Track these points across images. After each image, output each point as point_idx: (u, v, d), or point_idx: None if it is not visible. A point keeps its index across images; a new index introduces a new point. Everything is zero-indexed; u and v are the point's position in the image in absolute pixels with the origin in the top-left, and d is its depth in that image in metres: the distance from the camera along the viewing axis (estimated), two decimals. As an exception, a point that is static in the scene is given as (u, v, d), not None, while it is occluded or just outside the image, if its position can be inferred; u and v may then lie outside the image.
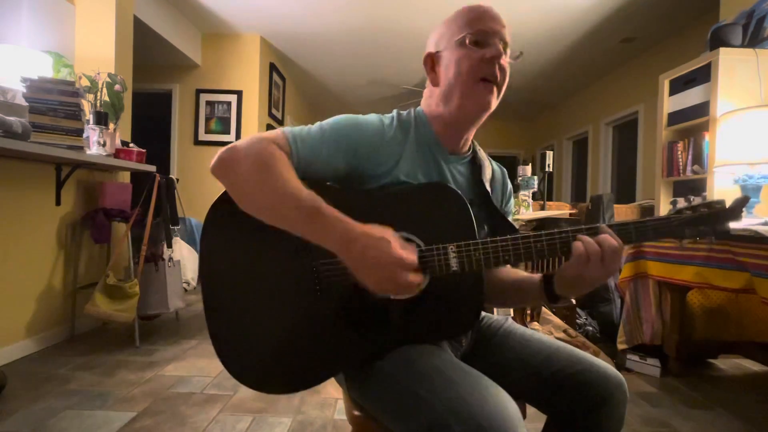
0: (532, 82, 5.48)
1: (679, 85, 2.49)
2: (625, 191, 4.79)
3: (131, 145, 2.47)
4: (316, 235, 0.60)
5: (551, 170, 3.07)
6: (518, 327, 0.85)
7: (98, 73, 2.32)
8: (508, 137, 7.76)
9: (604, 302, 2.49)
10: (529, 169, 2.88)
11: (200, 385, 1.79)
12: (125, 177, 2.79)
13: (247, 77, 4.28)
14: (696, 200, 0.64)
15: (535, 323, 2.07)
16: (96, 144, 2.21)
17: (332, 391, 1.75)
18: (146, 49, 3.70)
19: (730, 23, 2.35)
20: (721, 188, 2.19)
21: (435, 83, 0.77)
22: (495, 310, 1.35)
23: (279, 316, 0.69)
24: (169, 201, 2.54)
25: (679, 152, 2.49)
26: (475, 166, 0.82)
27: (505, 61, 0.73)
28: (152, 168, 2.53)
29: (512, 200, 0.94)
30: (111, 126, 2.31)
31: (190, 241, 3.14)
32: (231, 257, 0.71)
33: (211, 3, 3.65)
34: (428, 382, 0.60)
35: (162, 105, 4.34)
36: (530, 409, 0.77)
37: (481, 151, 0.86)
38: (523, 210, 2.72)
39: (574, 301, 2.19)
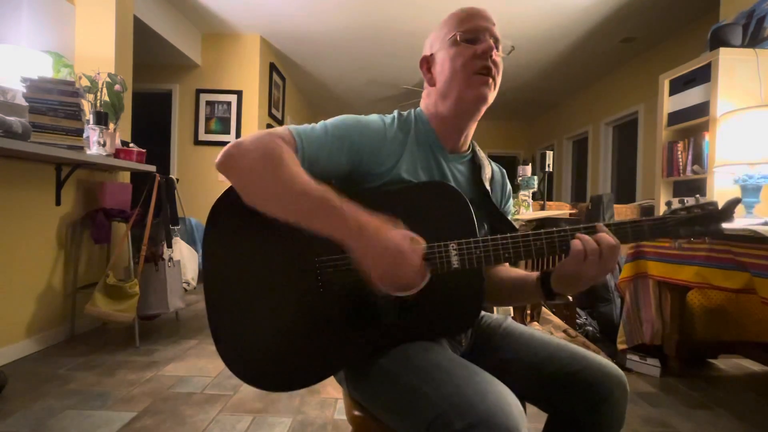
0: (532, 82, 5.48)
1: (679, 85, 2.49)
2: (625, 191, 4.79)
3: (131, 145, 2.47)
4: (326, 223, 0.60)
5: (551, 170, 3.07)
6: (518, 326, 0.85)
7: (98, 73, 2.32)
8: (508, 137, 7.76)
9: (604, 302, 2.49)
10: (529, 169, 2.88)
11: (200, 385, 1.79)
12: (125, 177, 2.79)
13: (247, 77, 4.28)
14: (690, 201, 0.66)
15: (535, 323, 2.07)
16: (96, 144, 2.21)
17: (332, 391, 1.75)
18: (146, 49, 3.70)
19: (730, 23, 2.35)
20: (721, 188, 2.19)
21: (432, 83, 0.80)
22: (495, 309, 1.35)
23: (281, 313, 0.70)
24: (169, 201, 2.54)
25: (679, 152, 2.49)
26: (475, 165, 0.84)
27: (497, 55, 0.75)
28: (152, 168, 2.53)
29: (511, 201, 0.95)
30: (111, 126, 2.31)
31: (190, 241, 3.14)
32: (233, 254, 0.71)
33: (211, 3, 3.65)
34: (429, 378, 0.61)
35: (162, 105, 4.35)
36: (530, 409, 0.77)
37: (481, 151, 0.87)
38: (523, 210, 2.72)
39: (570, 299, 2.19)
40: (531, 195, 2.83)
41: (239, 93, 4.26)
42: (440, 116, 0.79)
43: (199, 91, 4.29)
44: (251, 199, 0.64)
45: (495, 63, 0.74)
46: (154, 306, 2.32)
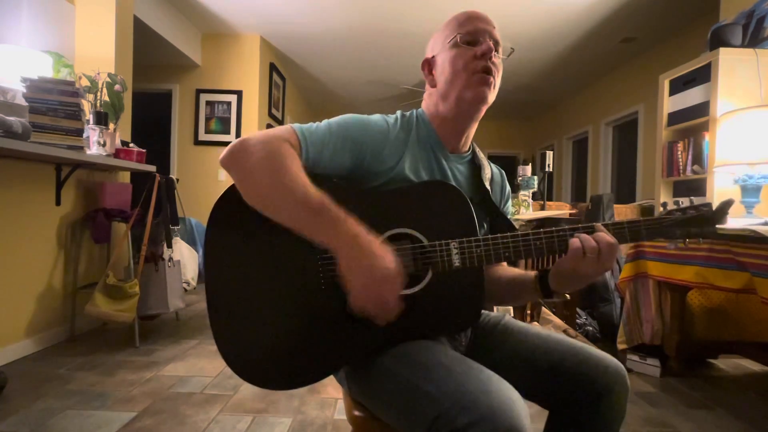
0: (532, 82, 5.48)
1: (679, 85, 2.49)
2: (625, 191, 4.79)
3: (131, 145, 2.47)
4: (321, 230, 0.61)
5: (551, 170, 3.07)
6: (516, 322, 0.86)
7: (98, 73, 2.32)
8: (508, 137, 7.76)
9: (604, 302, 2.49)
10: (529, 169, 2.87)
11: (200, 385, 1.79)
12: (125, 177, 2.79)
13: (247, 77, 4.28)
14: (684, 202, 0.70)
15: (535, 323, 2.07)
16: (96, 144, 2.21)
17: (332, 391, 1.75)
18: (146, 49, 3.70)
19: (730, 23, 2.35)
20: (721, 188, 2.19)
21: (433, 85, 0.81)
22: (495, 308, 1.35)
23: (283, 311, 0.70)
24: (169, 201, 2.54)
25: (679, 152, 2.49)
26: (475, 166, 0.85)
27: (497, 57, 0.76)
28: (152, 168, 2.53)
29: (510, 202, 0.97)
30: (111, 126, 2.31)
31: (190, 241, 3.14)
32: (235, 253, 0.72)
33: (211, 3, 3.65)
34: (431, 375, 0.61)
35: (162, 105, 4.35)
36: (530, 409, 0.77)
37: (481, 152, 0.89)
38: (523, 210, 2.72)
39: (568, 297, 2.19)
40: (531, 195, 2.82)
41: (239, 93, 4.26)
42: (441, 117, 0.80)
43: (199, 91, 4.29)
44: (250, 199, 0.66)
45: (495, 64, 0.75)
46: (154, 306, 2.32)
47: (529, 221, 2.58)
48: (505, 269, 0.87)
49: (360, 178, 0.75)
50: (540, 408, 0.76)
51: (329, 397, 1.71)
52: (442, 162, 0.80)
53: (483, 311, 0.91)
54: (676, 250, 1.81)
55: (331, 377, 0.75)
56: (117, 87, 2.36)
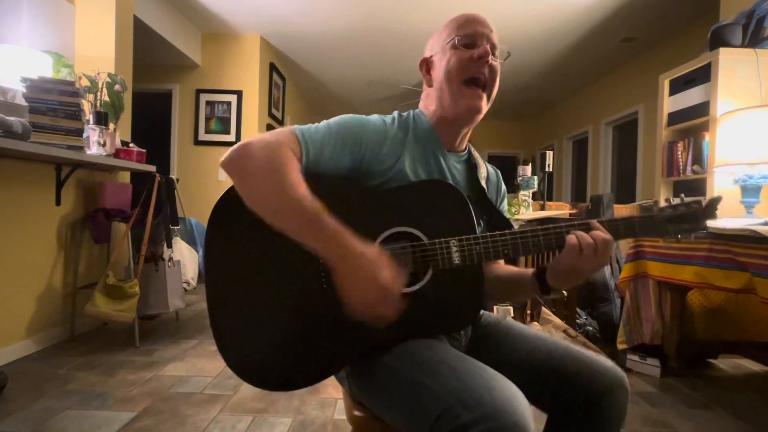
0: (532, 82, 5.48)
1: (679, 85, 2.49)
2: (625, 191, 4.79)
3: (131, 145, 2.47)
4: (314, 241, 0.62)
5: (551, 170, 3.07)
6: (516, 324, 0.86)
7: (98, 73, 2.32)
8: (508, 137, 7.76)
9: (604, 302, 2.49)
10: (529, 169, 2.87)
11: (200, 385, 1.79)
12: (125, 177, 2.79)
13: (247, 77, 4.28)
14: (675, 200, 0.73)
15: (535, 323, 2.07)
16: (96, 144, 2.21)
17: (332, 391, 1.75)
18: (146, 49, 3.70)
19: (730, 23, 2.35)
20: (721, 188, 2.19)
21: (430, 84, 0.83)
22: (495, 309, 1.35)
23: (283, 312, 0.70)
24: (169, 201, 2.54)
25: (679, 152, 2.49)
26: (471, 164, 0.86)
27: (494, 60, 0.77)
28: (152, 168, 2.53)
29: (505, 201, 0.98)
30: (111, 126, 2.31)
31: (190, 241, 3.15)
32: (236, 252, 0.72)
33: (211, 3, 3.65)
34: (433, 374, 0.61)
35: (162, 105, 4.34)
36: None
37: (476, 152, 0.90)
38: (523, 210, 2.72)
39: (565, 293, 2.20)
40: (531, 195, 2.82)
41: (239, 93, 4.26)
42: (437, 116, 0.81)
43: (199, 91, 4.29)
44: (248, 202, 0.66)
45: (491, 68, 0.77)
46: (154, 306, 2.32)
47: (529, 221, 2.58)
48: (502, 267, 0.88)
49: (359, 177, 0.75)
50: (539, 411, 0.76)
51: (329, 397, 1.71)
52: (440, 160, 0.81)
53: (482, 311, 0.91)
54: (680, 249, 1.80)
55: (331, 377, 0.75)
56: (117, 87, 2.36)
